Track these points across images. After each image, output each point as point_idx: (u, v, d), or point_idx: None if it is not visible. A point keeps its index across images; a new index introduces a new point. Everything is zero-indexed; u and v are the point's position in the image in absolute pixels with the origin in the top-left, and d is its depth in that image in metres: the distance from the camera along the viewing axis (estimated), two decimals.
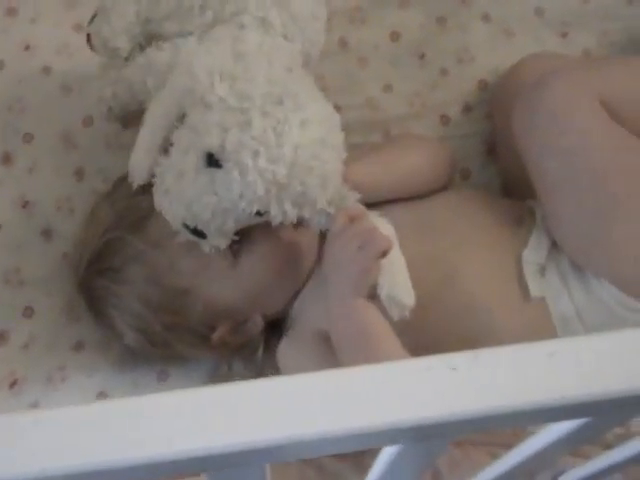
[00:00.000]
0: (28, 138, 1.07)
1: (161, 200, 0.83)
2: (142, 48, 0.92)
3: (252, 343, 0.96)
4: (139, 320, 0.92)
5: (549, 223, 0.92)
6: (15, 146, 1.07)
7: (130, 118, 0.92)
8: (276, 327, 0.97)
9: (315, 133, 0.80)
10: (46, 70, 1.11)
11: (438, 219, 0.96)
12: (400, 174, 0.96)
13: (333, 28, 1.13)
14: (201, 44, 0.87)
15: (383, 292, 0.80)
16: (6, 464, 0.38)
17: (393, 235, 0.84)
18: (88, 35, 0.93)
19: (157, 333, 0.92)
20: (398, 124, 1.11)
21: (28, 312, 1.01)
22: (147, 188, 0.85)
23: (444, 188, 1.02)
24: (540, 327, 0.90)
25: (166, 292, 0.90)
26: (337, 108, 0.88)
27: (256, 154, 0.78)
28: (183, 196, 0.81)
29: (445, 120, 1.11)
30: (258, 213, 0.81)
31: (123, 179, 0.90)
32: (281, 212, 0.81)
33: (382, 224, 0.85)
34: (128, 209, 0.92)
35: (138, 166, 0.84)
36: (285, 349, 0.94)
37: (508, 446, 0.61)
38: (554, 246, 0.92)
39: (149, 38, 0.91)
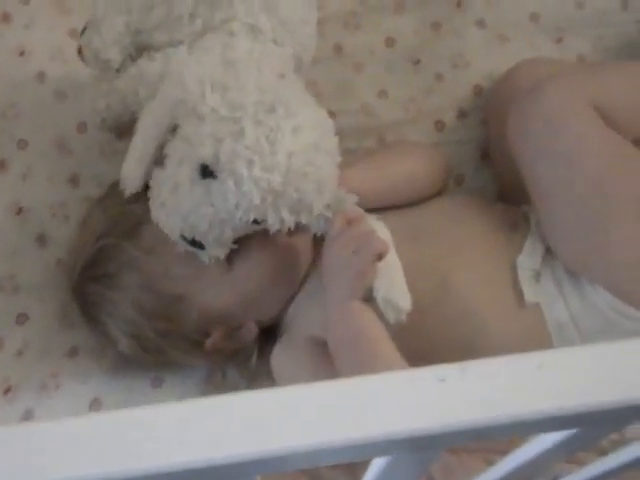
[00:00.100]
0: (22, 144, 1.07)
1: (158, 213, 0.83)
2: (133, 59, 0.92)
3: (246, 349, 0.96)
4: (133, 326, 0.92)
5: (543, 229, 0.92)
6: (9, 152, 1.06)
7: (123, 129, 0.92)
8: (270, 333, 0.97)
9: (308, 139, 0.80)
10: (40, 76, 1.11)
11: (432, 225, 0.96)
12: (395, 180, 0.96)
13: (328, 33, 1.13)
14: (191, 53, 0.87)
15: (379, 295, 0.80)
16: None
17: (390, 239, 0.84)
18: (79, 47, 0.93)
19: (151, 340, 0.92)
20: (393, 130, 1.11)
21: (22, 319, 1.00)
22: (141, 194, 0.85)
23: (438, 194, 1.03)
24: (535, 333, 0.90)
25: (160, 298, 0.90)
26: (332, 114, 0.89)
27: (250, 163, 0.78)
28: (179, 208, 0.81)
29: (440, 126, 1.11)
30: (255, 222, 0.81)
31: (116, 185, 0.90)
32: (278, 219, 0.81)
33: (379, 227, 0.85)
34: (122, 215, 0.92)
35: (130, 175, 0.84)
36: (279, 355, 0.93)
37: (503, 452, 0.61)
38: (549, 252, 0.92)
39: (140, 49, 0.92)
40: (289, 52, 0.91)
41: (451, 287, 0.90)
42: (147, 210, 0.85)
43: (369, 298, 0.80)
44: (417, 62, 1.13)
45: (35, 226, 1.04)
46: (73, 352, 1.00)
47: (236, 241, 0.85)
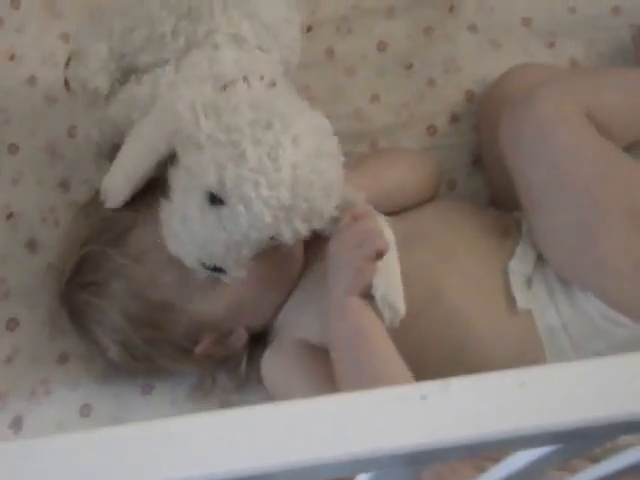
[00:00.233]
0: (13, 149, 1.07)
1: (173, 244, 0.83)
2: (121, 83, 0.92)
3: (236, 356, 0.95)
4: (121, 334, 0.91)
5: (534, 235, 0.92)
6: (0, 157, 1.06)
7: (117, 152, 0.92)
8: (260, 339, 0.96)
9: (309, 146, 0.80)
10: (31, 80, 1.10)
11: (424, 230, 0.96)
12: (388, 187, 0.96)
13: (320, 38, 1.13)
14: (179, 72, 0.87)
15: (378, 294, 0.80)
16: None
17: (393, 240, 0.84)
18: (65, 79, 0.93)
19: (139, 347, 0.91)
20: (385, 135, 1.10)
21: (12, 324, 1.00)
22: (128, 201, 0.84)
23: (430, 199, 1.02)
24: (526, 339, 0.90)
25: (148, 306, 0.90)
26: None
27: (257, 185, 0.78)
28: (194, 238, 0.81)
29: (432, 130, 1.11)
30: (270, 237, 0.82)
31: None
32: (292, 231, 0.81)
33: (386, 227, 0.85)
34: (109, 222, 0.91)
35: (115, 190, 0.84)
36: (269, 360, 0.93)
37: (495, 460, 0.61)
38: (540, 258, 0.92)
39: (126, 72, 0.91)
40: (276, 57, 0.91)
41: (442, 292, 0.90)
42: (134, 217, 0.85)
43: (368, 295, 0.81)
44: (409, 67, 1.13)
45: (25, 231, 1.04)
46: (63, 358, 0.99)
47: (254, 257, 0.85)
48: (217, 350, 0.94)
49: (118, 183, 0.84)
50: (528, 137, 0.89)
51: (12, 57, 1.11)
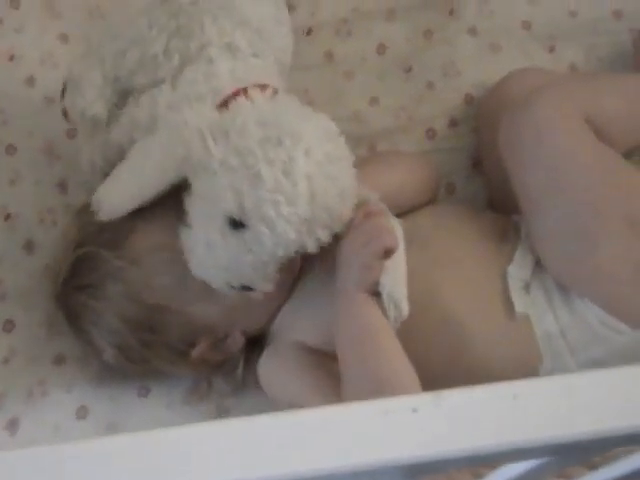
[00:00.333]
0: (11, 150, 1.07)
1: (199, 270, 0.83)
2: (118, 107, 0.92)
3: (232, 359, 0.95)
4: (117, 337, 0.91)
5: (532, 240, 0.92)
6: None
7: None
8: (257, 343, 0.96)
9: (319, 154, 0.80)
10: (30, 81, 1.10)
11: (422, 234, 0.95)
12: (386, 191, 0.96)
13: (319, 41, 1.13)
14: (175, 90, 0.86)
15: (385, 291, 0.80)
16: None
17: (402, 240, 0.84)
18: (64, 110, 0.93)
19: (135, 350, 0.91)
20: (384, 138, 1.10)
21: (9, 326, 1.00)
22: None
23: (429, 203, 1.02)
24: (524, 344, 0.90)
25: (145, 309, 0.90)
26: None
27: (276, 204, 0.78)
28: (220, 263, 0.81)
29: (431, 134, 1.11)
30: (295, 251, 0.82)
31: None
32: (315, 241, 0.81)
33: (396, 225, 0.86)
34: (107, 224, 0.91)
35: (111, 203, 0.85)
36: (266, 363, 0.93)
37: (492, 467, 0.61)
38: (538, 264, 0.92)
39: (123, 95, 0.92)
40: (271, 60, 0.91)
41: (440, 295, 0.90)
42: (132, 220, 0.84)
43: (375, 293, 0.81)
44: (409, 70, 1.13)
45: (23, 232, 1.04)
46: (60, 360, 0.99)
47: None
48: (213, 354, 0.94)
49: (115, 199, 0.85)
50: (527, 142, 0.89)
51: (11, 57, 1.11)
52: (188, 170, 0.82)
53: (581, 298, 0.88)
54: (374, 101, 1.12)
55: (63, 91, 0.93)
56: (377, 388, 0.77)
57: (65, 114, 0.94)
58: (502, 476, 0.59)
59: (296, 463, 0.39)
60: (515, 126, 0.90)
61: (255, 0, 0.92)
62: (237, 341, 0.94)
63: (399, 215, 0.97)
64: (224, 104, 0.85)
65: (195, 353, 0.92)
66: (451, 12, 1.15)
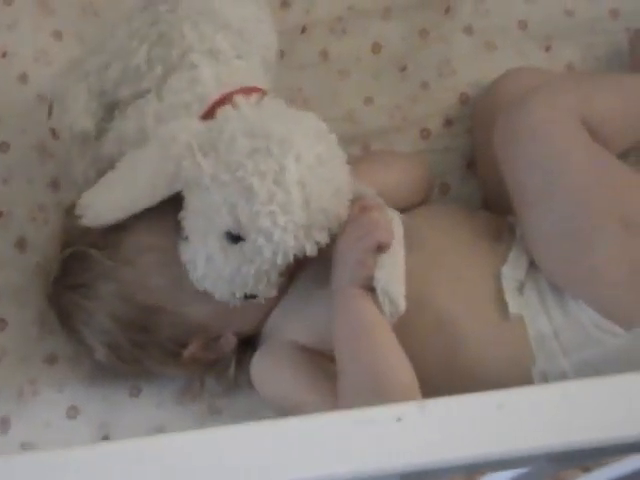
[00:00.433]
0: (4, 148, 1.06)
1: (202, 283, 0.85)
2: (105, 120, 0.92)
3: (224, 360, 0.95)
4: (109, 336, 0.91)
5: (526, 241, 0.91)
6: None
7: None
8: (249, 343, 0.96)
9: (310, 158, 0.81)
10: (23, 78, 1.09)
11: (416, 234, 0.95)
12: (380, 191, 0.95)
13: (314, 39, 1.13)
14: (161, 100, 0.86)
15: (379, 286, 0.80)
16: None
17: (401, 235, 0.84)
18: (53, 129, 0.93)
19: (127, 350, 0.91)
20: (378, 137, 1.10)
21: (1, 324, 0.99)
22: None
23: (422, 203, 1.02)
24: (518, 345, 0.89)
25: (137, 309, 0.90)
26: None
27: (272, 215, 0.79)
28: (222, 275, 0.82)
29: (425, 134, 1.10)
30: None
31: None
32: (315, 243, 0.82)
33: (395, 219, 0.86)
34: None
35: (97, 210, 0.85)
36: (259, 362, 0.93)
37: (481, 472, 0.61)
38: (532, 264, 0.91)
39: (109, 108, 0.92)
40: (256, 60, 0.91)
41: (434, 295, 0.90)
42: (124, 219, 0.84)
43: (370, 287, 0.81)
44: (404, 69, 1.12)
45: (15, 230, 1.03)
46: (52, 359, 0.99)
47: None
48: (205, 354, 0.93)
49: (103, 207, 0.85)
50: (522, 142, 0.89)
51: (4, 54, 1.11)
52: (180, 185, 0.83)
53: (575, 300, 0.88)
54: (368, 100, 1.11)
55: (50, 110, 0.93)
56: (373, 383, 0.77)
57: (53, 133, 0.95)
58: None
59: (283, 472, 0.39)
60: (510, 126, 0.90)
61: (235, 1, 0.92)
62: (229, 341, 0.94)
63: None
64: (211, 112, 0.85)
65: (187, 353, 0.92)
66: (447, 11, 1.14)
